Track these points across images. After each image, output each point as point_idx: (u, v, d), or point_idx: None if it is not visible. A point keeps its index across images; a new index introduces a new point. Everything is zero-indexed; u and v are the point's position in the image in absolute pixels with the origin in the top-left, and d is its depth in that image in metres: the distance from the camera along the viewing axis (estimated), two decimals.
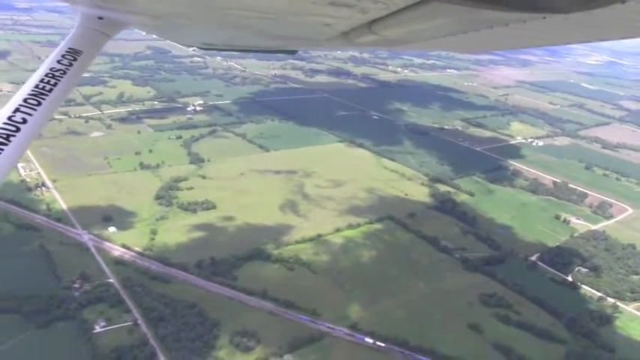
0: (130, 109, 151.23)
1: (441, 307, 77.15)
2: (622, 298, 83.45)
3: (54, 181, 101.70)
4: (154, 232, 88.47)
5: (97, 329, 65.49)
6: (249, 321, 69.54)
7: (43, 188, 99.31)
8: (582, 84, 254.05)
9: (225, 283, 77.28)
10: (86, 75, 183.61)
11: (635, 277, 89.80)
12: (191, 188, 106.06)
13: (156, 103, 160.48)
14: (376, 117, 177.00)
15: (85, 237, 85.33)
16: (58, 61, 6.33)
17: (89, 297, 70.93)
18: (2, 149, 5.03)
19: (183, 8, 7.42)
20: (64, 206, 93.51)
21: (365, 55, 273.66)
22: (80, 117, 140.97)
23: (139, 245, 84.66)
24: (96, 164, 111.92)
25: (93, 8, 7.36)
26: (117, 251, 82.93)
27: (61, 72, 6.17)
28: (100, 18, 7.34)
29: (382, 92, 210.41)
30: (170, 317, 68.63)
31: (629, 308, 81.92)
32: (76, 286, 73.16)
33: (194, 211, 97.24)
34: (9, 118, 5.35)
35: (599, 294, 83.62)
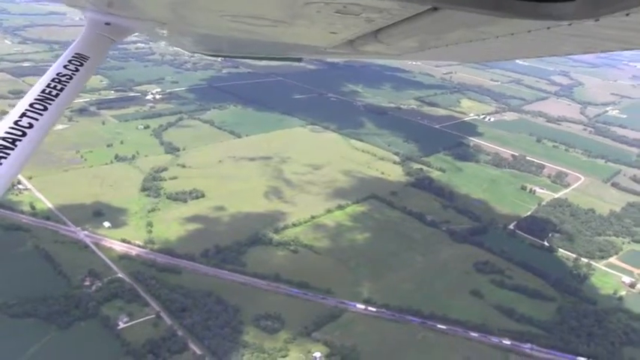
0: (86, 100, 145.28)
1: (441, 277, 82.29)
2: (593, 257, 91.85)
3: (29, 178, 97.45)
4: (150, 225, 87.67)
5: (121, 325, 65.30)
6: (268, 304, 71.49)
7: (20, 186, 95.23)
8: (516, 60, 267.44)
9: (236, 270, 78.60)
10: (27, 64, 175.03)
11: (599, 237, 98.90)
12: (175, 178, 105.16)
13: (112, 92, 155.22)
14: (334, 99, 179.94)
15: (81, 234, 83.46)
16: (65, 66, 6.40)
17: (104, 294, 70.20)
18: (9, 153, 5.06)
19: (189, 16, 7.63)
20: (49, 204, 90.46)
21: None
22: None
23: (138, 239, 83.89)
24: (69, 158, 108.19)
25: (100, 14, 7.49)
26: (117, 246, 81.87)
27: (68, 77, 6.24)
28: (107, 24, 7.46)
29: (333, 74, 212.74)
30: (192, 307, 69.42)
31: (600, 266, 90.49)
32: (87, 284, 72.17)
33: (184, 200, 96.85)
34: (15, 123, 5.41)
35: (573, 255, 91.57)
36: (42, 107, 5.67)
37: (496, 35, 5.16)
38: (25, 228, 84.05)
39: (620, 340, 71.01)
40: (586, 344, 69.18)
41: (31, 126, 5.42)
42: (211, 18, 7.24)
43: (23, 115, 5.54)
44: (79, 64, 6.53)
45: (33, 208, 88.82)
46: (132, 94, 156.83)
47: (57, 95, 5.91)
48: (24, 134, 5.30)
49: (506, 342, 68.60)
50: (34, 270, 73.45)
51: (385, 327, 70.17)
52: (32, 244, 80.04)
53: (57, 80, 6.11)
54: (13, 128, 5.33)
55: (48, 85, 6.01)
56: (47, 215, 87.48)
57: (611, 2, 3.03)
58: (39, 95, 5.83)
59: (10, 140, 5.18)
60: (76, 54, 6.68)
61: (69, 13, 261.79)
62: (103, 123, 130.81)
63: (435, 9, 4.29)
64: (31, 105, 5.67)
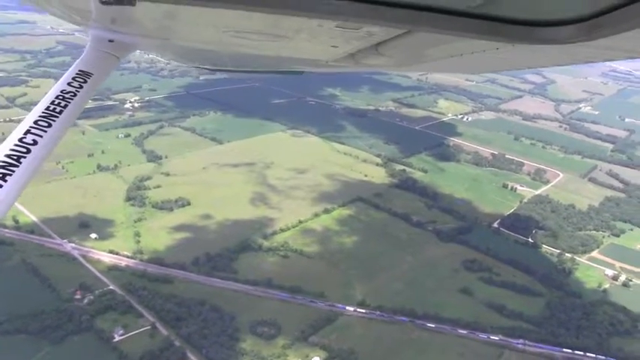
0: None
1: (431, 276, 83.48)
2: (576, 252, 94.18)
3: None
4: (137, 235, 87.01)
5: (117, 337, 64.76)
6: (263, 310, 71.69)
7: None
8: None
9: (228, 277, 78.50)
10: (1, 75, 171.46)
11: (580, 232, 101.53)
12: (159, 186, 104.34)
13: (89, 101, 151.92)
14: (312, 102, 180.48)
15: (68, 247, 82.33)
16: (69, 84, 6.39)
17: (96, 307, 69.56)
18: (14, 171, 5.04)
19: (192, 33, 7.68)
20: (33, 217, 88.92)
21: None
22: (11, 120, 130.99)
23: (126, 249, 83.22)
24: (50, 170, 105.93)
25: (103, 31, 7.49)
26: (106, 258, 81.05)
27: (72, 94, 6.23)
28: (111, 41, 7.46)
29: (311, 78, 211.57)
30: (187, 316, 69.19)
31: (583, 260, 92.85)
32: (78, 297, 71.22)
33: (170, 209, 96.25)
34: (20, 140, 5.39)
35: (557, 251, 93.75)
36: (46, 124, 5.68)
37: (496, 47, 5.19)
38: (9, 242, 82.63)
39: (608, 331, 73.21)
40: (575, 337, 71.13)
41: (35, 143, 5.43)
42: (214, 34, 7.28)
43: (27, 132, 5.52)
44: (82, 81, 6.56)
45: (16, 221, 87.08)
46: (110, 102, 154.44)
47: (61, 112, 5.93)
48: (28, 151, 5.32)
49: (499, 338, 69.98)
50: (22, 285, 72.26)
51: (380, 328, 70.98)
52: (18, 258, 78.78)
53: (61, 97, 6.13)
54: (17, 145, 5.32)
55: (52, 102, 6.01)
56: (31, 228, 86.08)
57: (606, 26, 2.99)
58: (43, 112, 5.82)
59: (14, 157, 5.19)
60: (80, 71, 6.71)
61: (39, 22, 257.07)
62: (83, 133, 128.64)
63: None
64: (35, 122, 5.66)
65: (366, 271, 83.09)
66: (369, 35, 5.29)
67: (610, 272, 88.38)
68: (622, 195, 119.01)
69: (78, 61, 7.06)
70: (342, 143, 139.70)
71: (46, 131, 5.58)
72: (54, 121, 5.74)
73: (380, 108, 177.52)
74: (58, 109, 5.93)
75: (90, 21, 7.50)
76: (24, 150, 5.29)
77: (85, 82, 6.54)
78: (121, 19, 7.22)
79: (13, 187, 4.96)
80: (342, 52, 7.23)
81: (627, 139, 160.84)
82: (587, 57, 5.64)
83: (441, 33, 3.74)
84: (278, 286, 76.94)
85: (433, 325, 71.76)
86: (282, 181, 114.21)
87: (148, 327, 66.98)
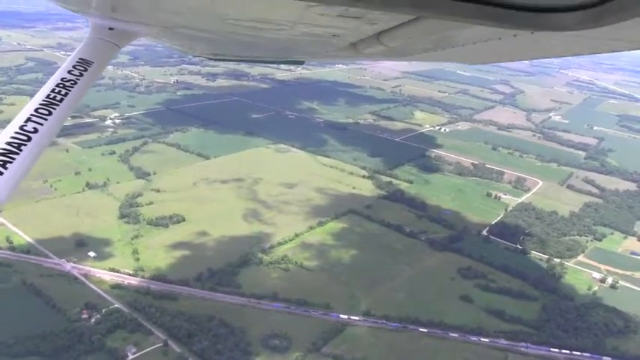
0: None
1: (430, 285, 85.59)
2: (563, 257, 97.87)
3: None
4: (136, 252, 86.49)
5: (130, 356, 64.53)
6: (272, 324, 72.40)
7: None
8: (457, 71, 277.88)
9: (232, 292, 78.89)
10: None
11: (565, 238, 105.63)
12: (151, 203, 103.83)
13: (68, 118, 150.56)
14: (292, 116, 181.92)
15: (67, 266, 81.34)
16: (69, 72, 6.41)
17: (106, 325, 68.94)
18: (14, 158, 5.05)
19: (193, 20, 7.62)
20: (28, 238, 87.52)
21: None
22: None
23: (127, 267, 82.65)
24: (38, 188, 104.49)
25: (104, 19, 7.44)
26: (107, 276, 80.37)
27: (72, 82, 6.24)
28: (111, 29, 7.39)
29: (287, 91, 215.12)
30: (198, 332, 69.28)
31: (570, 264, 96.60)
32: (85, 316, 70.55)
33: (166, 225, 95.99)
34: (21, 128, 5.39)
35: (546, 256, 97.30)
36: (47, 112, 5.68)
37: (499, 37, 5.22)
38: (6, 263, 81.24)
39: (603, 331, 76.54)
40: (574, 338, 74.14)
41: (36, 131, 5.42)
42: (216, 22, 7.28)
43: (28, 119, 5.53)
44: (83, 69, 6.56)
45: (10, 242, 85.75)
46: (89, 119, 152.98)
47: (61, 100, 5.93)
48: (29, 139, 5.31)
49: (503, 342, 72.49)
50: (26, 306, 71.19)
51: (388, 337, 72.52)
52: (18, 279, 77.53)
53: (61, 85, 6.15)
54: (18, 133, 5.32)
55: (52, 90, 6.02)
56: (27, 249, 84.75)
57: (617, 11, 2.91)
58: (44, 100, 5.84)
59: (15, 145, 5.18)
60: (80, 59, 6.70)
61: (5, 38, 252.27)
62: (67, 151, 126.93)
63: None
64: (36, 110, 5.67)
65: (367, 281, 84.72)
66: (370, 24, 5.32)
67: (597, 275, 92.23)
68: (599, 200, 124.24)
69: (78, 49, 7.07)
70: (328, 157, 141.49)
71: (46, 119, 5.63)
72: (54, 109, 5.78)
73: (359, 121, 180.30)
74: (59, 97, 5.97)
75: (90, 8, 7.61)
76: (24, 138, 5.31)
77: (86, 70, 6.58)
78: (121, 7, 7.44)
79: (13, 175, 4.99)
80: (343, 42, 7.26)
81: (598, 146, 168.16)
82: (591, 48, 5.69)
83: (443, 19, 3.74)
84: (283, 299, 77.76)
85: (439, 332, 73.75)
86: (273, 196, 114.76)
87: (160, 344, 66.84)
